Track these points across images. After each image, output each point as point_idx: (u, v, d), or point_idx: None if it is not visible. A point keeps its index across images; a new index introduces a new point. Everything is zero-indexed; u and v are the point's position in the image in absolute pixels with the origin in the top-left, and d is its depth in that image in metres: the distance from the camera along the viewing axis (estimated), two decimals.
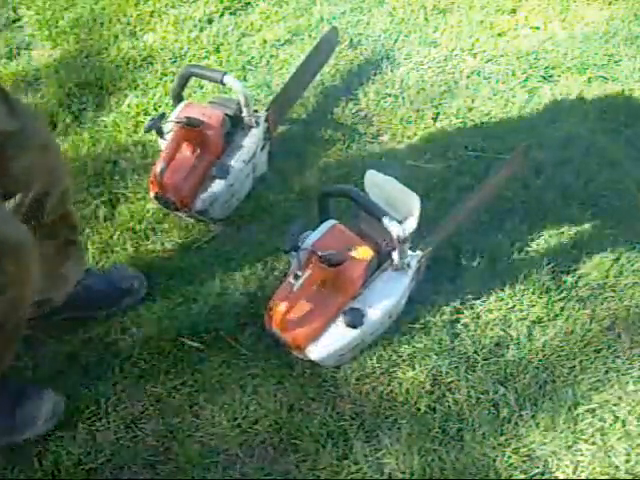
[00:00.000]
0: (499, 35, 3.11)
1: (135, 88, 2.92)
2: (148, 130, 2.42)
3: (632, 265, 2.39)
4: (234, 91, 2.46)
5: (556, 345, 2.21)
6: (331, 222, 2.21)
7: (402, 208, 2.17)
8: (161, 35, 3.11)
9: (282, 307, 2.07)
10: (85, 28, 3.15)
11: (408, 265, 2.18)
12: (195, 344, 2.24)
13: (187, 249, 2.47)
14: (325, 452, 2.02)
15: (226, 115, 2.50)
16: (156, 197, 2.48)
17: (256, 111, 2.58)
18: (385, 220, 2.06)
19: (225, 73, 2.43)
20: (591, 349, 2.21)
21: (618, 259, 2.40)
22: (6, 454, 2.03)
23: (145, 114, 2.79)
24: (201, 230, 2.51)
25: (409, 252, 2.19)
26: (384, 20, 3.16)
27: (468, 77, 2.94)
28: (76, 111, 2.87)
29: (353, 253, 2.12)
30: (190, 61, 3.00)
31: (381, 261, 2.19)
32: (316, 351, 2.13)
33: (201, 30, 3.13)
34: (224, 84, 2.45)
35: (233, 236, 2.50)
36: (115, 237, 2.48)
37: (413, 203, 2.13)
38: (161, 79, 2.95)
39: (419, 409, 2.09)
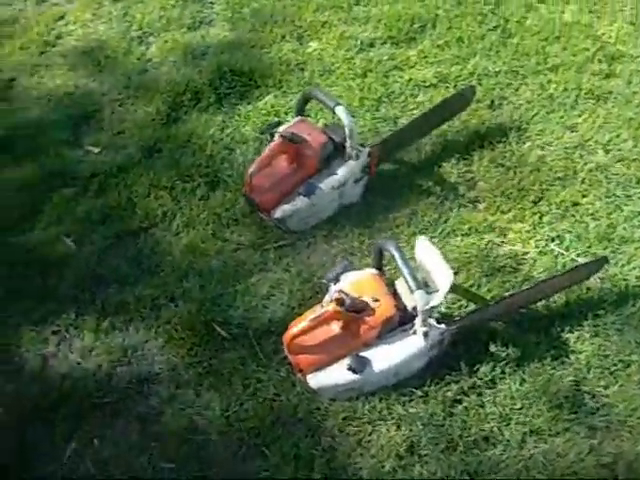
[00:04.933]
0: None
1: (279, 88, 3.16)
2: (262, 133, 2.66)
3: None
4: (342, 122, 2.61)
5: (543, 463, 2.19)
6: (371, 271, 2.34)
7: (437, 280, 2.25)
8: (323, 46, 3.32)
9: (295, 330, 2.24)
10: (262, 20, 3.43)
11: (426, 334, 2.25)
12: (223, 333, 2.47)
13: (256, 248, 2.69)
14: (286, 470, 2.18)
15: (331, 141, 2.66)
16: (245, 195, 2.71)
17: (363, 145, 2.72)
18: (413, 289, 2.16)
19: (338, 103, 2.60)
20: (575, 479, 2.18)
21: None
22: None
23: (276, 115, 3.03)
24: (275, 235, 2.72)
25: (434, 323, 2.27)
26: (533, 91, 3.15)
27: (590, 171, 2.88)
28: (222, 94, 3.16)
29: (375, 305, 2.24)
30: (337, 78, 3.18)
31: (404, 321, 2.29)
32: (315, 380, 2.29)
33: (359, 52, 3.30)
34: (335, 113, 2.61)
35: (300, 250, 2.68)
36: (202, 216, 2.76)
37: (447, 279, 2.21)
38: (303, 87, 3.16)
39: (383, 467, 2.19)
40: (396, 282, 2.33)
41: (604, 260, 2.51)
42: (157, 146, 3.02)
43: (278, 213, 2.66)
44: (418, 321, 2.23)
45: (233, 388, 2.36)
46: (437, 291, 2.23)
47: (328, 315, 2.20)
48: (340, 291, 2.21)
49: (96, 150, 3.07)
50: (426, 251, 2.30)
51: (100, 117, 3.20)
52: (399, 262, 2.22)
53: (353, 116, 3.00)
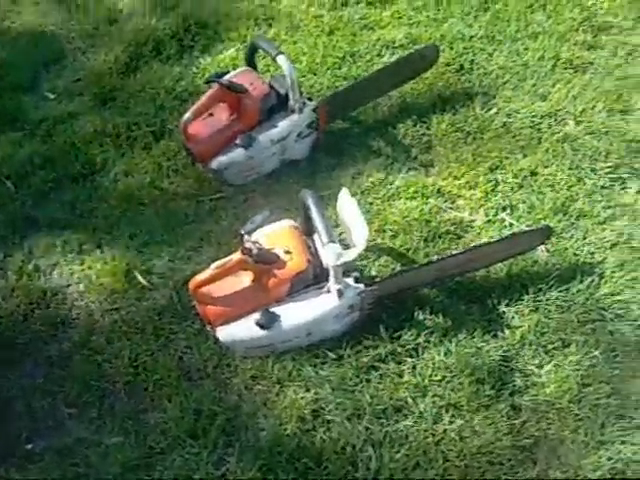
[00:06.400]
0: (621, 112, 2.79)
1: (242, 42, 3.06)
2: (207, 82, 2.56)
3: None
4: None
5: (455, 439, 2.05)
6: (289, 222, 2.22)
7: (354, 235, 2.12)
8: (295, 3, 3.22)
9: (199, 278, 2.13)
10: None
11: (340, 293, 2.12)
12: (144, 281, 2.40)
13: (191, 198, 2.61)
14: (184, 425, 2.09)
15: (275, 92, 2.55)
16: (183, 145, 2.61)
17: (310, 99, 2.60)
18: (324, 242, 2.04)
19: (280, 52, 2.48)
20: (488, 459, 2.02)
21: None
22: None
23: (235, 68, 2.90)
24: (213, 188, 2.62)
25: (350, 282, 2.14)
26: (507, 57, 2.98)
27: (557, 142, 2.70)
28: (185, 46, 3.08)
29: (287, 258, 2.12)
30: (303, 35, 3.06)
31: (321, 279, 2.16)
32: (224, 333, 2.18)
33: (331, 10, 3.18)
34: (276, 62, 2.49)
35: (236, 204, 2.59)
36: (142, 165, 2.68)
37: (362, 235, 2.07)
38: None
39: (285, 429, 2.07)
40: (314, 236, 2.20)
41: (547, 230, 2.34)
42: (112, 94, 2.96)
43: (214, 164, 2.55)
44: (331, 278, 2.10)
45: (145, 338, 2.29)
46: (353, 246, 2.10)
47: (233, 264, 2.08)
48: (249, 241, 2.10)
49: (52, 96, 3.02)
50: (346, 206, 2.16)
51: (62, 64, 3.16)
52: (314, 214, 2.09)
53: (315, 74, 2.92)
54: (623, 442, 2.04)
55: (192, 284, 2.14)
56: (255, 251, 2.06)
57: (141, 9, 3.28)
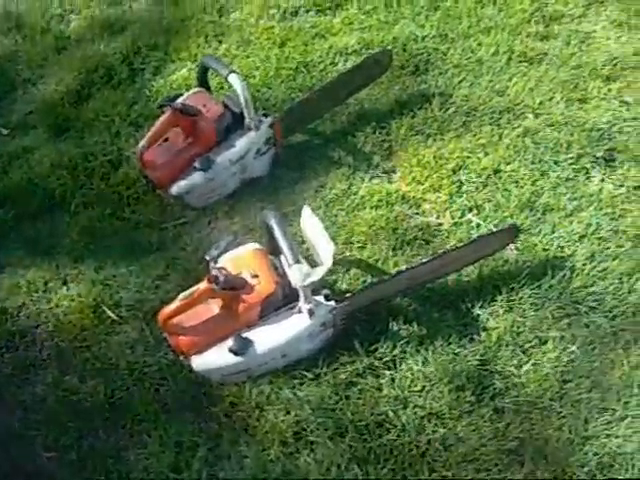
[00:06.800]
0: (579, 101, 2.79)
1: (194, 62, 3.01)
2: (160, 107, 2.52)
3: None
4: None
5: (440, 449, 2.02)
6: (253, 245, 2.19)
7: (320, 252, 2.09)
8: (244, 17, 3.17)
9: (167, 309, 2.09)
10: None
11: (311, 312, 2.09)
12: (113, 315, 2.35)
13: (154, 226, 2.56)
14: (165, 459, 2.05)
15: (229, 112, 2.51)
16: (141, 172, 2.57)
17: (265, 115, 2.57)
18: (290, 263, 2.01)
19: (232, 71, 2.45)
20: (475, 466, 2.01)
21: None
22: None
23: (188, 89, 2.86)
24: (175, 213, 2.58)
25: (321, 300, 2.12)
26: (462, 55, 2.96)
27: (518, 137, 2.69)
28: (136, 69, 3.04)
29: (255, 282, 2.09)
30: (255, 49, 3.03)
31: (292, 299, 2.13)
32: (198, 363, 2.15)
33: (281, 21, 3.14)
34: (228, 82, 2.46)
35: (200, 228, 2.55)
36: (101, 196, 2.64)
37: (328, 252, 2.05)
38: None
39: (268, 454, 2.04)
40: (282, 257, 2.17)
41: (515, 229, 2.32)
42: (65, 125, 2.90)
43: (174, 189, 2.52)
44: (301, 298, 2.07)
45: (119, 373, 2.23)
46: (320, 265, 2.07)
47: (201, 293, 2.05)
48: (215, 268, 2.06)
49: (5, 132, 2.96)
50: (309, 223, 2.14)
51: (12, 97, 3.10)
52: (277, 235, 2.06)
53: (269, 87, 2.89)
54: (608, 435, 2.04)
55: (161, 317, 2.10)
56: (222, 278, 2.02)
57: (89, 35, 3.22)
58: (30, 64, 3.17)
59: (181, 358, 2.19)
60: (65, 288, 2.44)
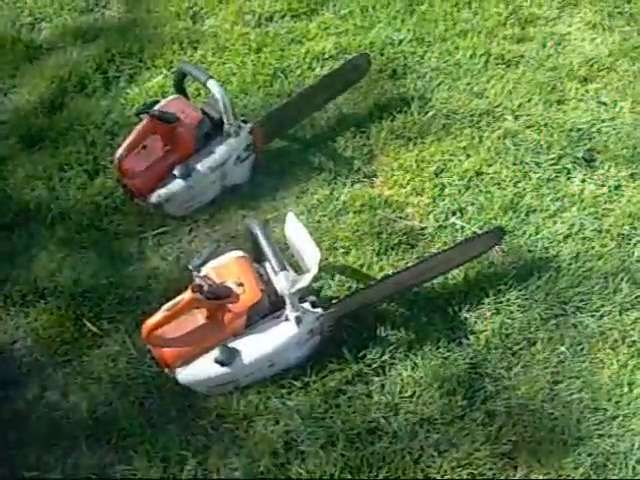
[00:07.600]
0: (558, 102, 2.80)
1: (169, 69, 2.96)
2: (138, 114, 2.47)
3: None
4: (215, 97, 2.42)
5: (433, 454, 2.00)
6: (237, 253, 2.15)
7: (306, 259, 2.06)
8: (219, 23, 3.13)
9: (150, 322, 2.04)
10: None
11: (299, 320, 2.06)
12: (94, 328, 2.30)
13: (134, 236, 2.50)
14: (154, 474, 2.01)
15: (208, 118, 2.48)
16: (118, 180, 2.52)
17: (245, 122, 2.53)
18: (277, 271, 1.98)
19: (210, 77, 2.41)
20: (469, 471, 1.98)
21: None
22: None
23: (164, 96, 2.82)
24: (155, 222, 2.53)
25: (308, 307, 2.08)
26: (439, 58, 2.96)
27: (498, 139, 2.69)
28: (110, 77, 2.97)
29: (240, 291, 2.05)
30: (231, 55, 2.99)
31: (276, 305, 2.10)
32: (183, 375, 2.10)
33: (256, 26, 3.10)
34: (207, 88, 2.42)
35: (181, 237, 2.50)
36: (78, 206, 2.57)
37: (314, 259, 2.01)
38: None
39: (259, 467, 2.00)
40: (266, 264, 2.13)
41: (500, 231, 2.32)
42: (39, 135, 2.81)
43: (154, 198, 2.46)
44: (287, 306, 2.04)
45: (102, 388, 2.18)
46: (306, 271, 2.04)
47: (185, 303, 2.00)
48: (198, 277, 2.01)
49: None
50: (294, 230, 2.10)
51: None
52: (262, 244, 2.04)
53: (247, 94, 2.86)
54: (600, 435, 2.04)
55: (144, 329, 2.05)
56: (206, 287, 1.98)
57: (61, 43, 3.15)
58: (1, 74, 3.08)
59: (165, 371, 2.14)
60: (43, 302, 2.37)
